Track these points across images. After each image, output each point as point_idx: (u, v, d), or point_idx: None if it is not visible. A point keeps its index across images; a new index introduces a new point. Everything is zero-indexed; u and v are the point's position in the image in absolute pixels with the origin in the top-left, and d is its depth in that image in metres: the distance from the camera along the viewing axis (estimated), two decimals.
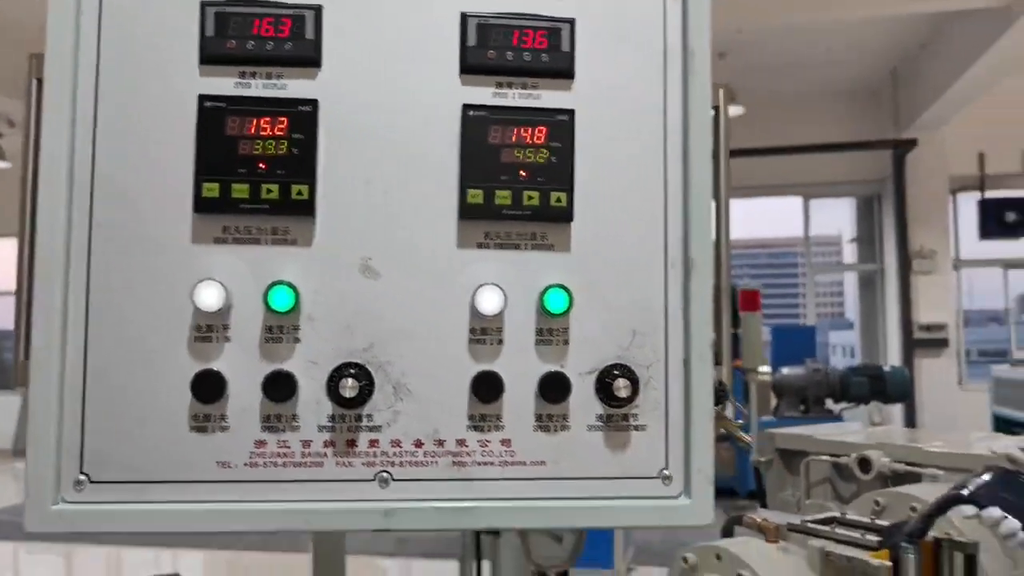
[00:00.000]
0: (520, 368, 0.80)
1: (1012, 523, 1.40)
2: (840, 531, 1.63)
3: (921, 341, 10.06)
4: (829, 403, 8.84)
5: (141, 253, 0.78)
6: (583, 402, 0.81)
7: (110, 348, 0.77)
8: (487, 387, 0.79)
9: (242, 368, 0.77)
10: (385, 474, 0.78)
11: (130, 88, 0.79)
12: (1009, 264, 11.27)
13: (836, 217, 13.05)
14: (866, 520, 1.73)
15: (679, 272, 0.82)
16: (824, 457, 2.30)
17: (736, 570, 1.53)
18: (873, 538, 1.57)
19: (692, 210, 0.82)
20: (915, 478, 2.06)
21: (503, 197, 0.80)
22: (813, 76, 9.93)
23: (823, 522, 1.72)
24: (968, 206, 10.62)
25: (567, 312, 0.80)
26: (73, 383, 0.76)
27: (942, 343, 10.03)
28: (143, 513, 0.76)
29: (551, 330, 0.81)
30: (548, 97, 0.83)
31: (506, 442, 0.80)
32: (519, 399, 0.80)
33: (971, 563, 1.64)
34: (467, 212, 0.80)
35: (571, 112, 0.82)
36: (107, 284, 0.77)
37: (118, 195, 0.78)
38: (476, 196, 0.80)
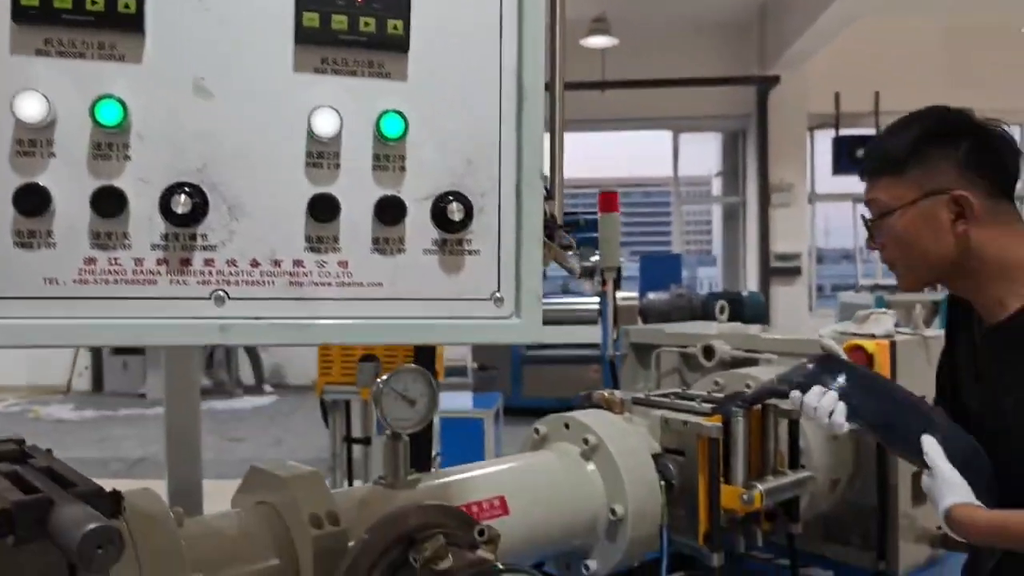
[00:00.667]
0: (357, 192, 0.82)
1: (798, 396, 1.54)
2: (679, 402, 1.76)
3: (777, 270, 10.66)
4: None
5: None
6: (419, 227, 0.84)
7: None
8: (323, 208, 0.80)
9: (68, 184, 0.76)
10: (221, 293, 0.79)
11: None
12: (858, 199, 11.99)
13: (706, 157, 13.51)
14: (703, 394, 1.87)
15: (512, 103, 0.85)
16: (673, 348, 2.45)
17: (582, 435, 1.63)
18: (707, 406, 1.70)
19: (526, 40, 0.85)
20: (754, 364, 2.23)
21: (339, 21, 0.81)
22: (685, 8, 10.13)
23: (664, 396, 1.85)
24: (824, 143, 11.20)
25: (403, 138, 0.82)
26: None
27: (795, 271, 10.65)
28: None
29: (388, 156, 0.83)
30: None
31: (343, 264, 0.82)
32: (356, 222, 0.82)
33: (794, 428, 1.80)
34: (303, 35, 0.80)
35: None
36: None
37: None
38: (312, 19, 0.80)
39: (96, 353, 12.10)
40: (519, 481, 1.54)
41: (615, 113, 11.27)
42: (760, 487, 1.60)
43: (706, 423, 1.61)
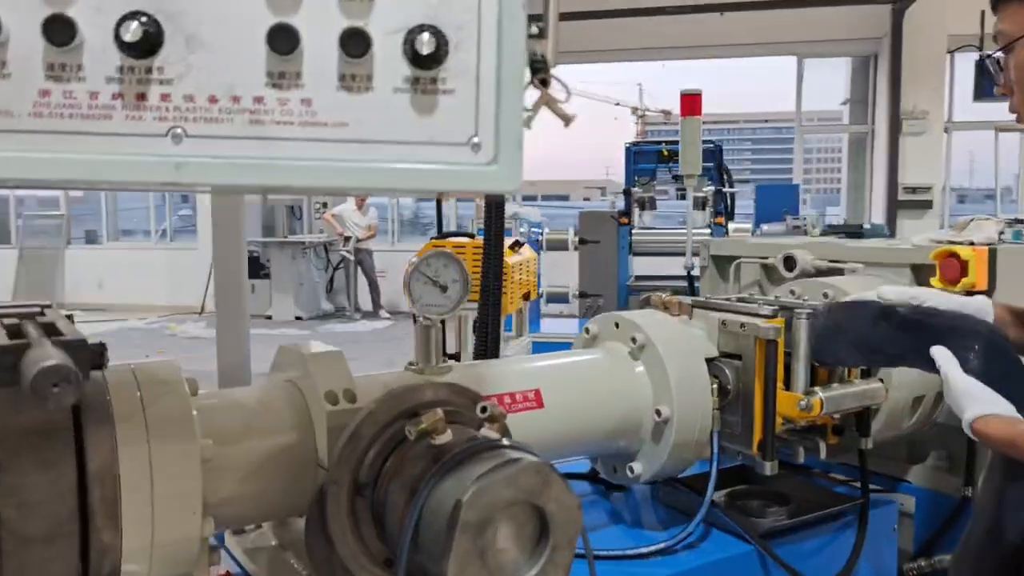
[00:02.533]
0: (321, 22, 0.76)
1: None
2: (740, 304, 1.65)
3: (905, 203, 10.02)
4: None
5: None
6: (388, 62, 0.77)
7: None
8: (283, 40, 0.75)
9: (19, 11, 0.73)
10: (178, 129, 0.76)
11: None
12: (1001, 127, 11.06)
13: (834, 87, 12.69)
14: (769, 299, 1.74)
15: None
16: (754, 259, 2.31)
17: (631, 333, 1.55)
18: (769, 308, 1.58)
19: None
20: (839, 274, 2.07)
21: None
22: None
23: (727, 299, 1.74)
24: (964, 68, 10.34)
25: None
26: None
27: (926, 205, 9.99)
28: None
29: None
30: None
31: (307, 101, 0.77)
32: (321, 56, 0.77)
33: None
34: None
35: None
36: None
37: None
38: None
39: None
40: (558, 376, 1.48)
41: (735, 38, 10.75)
42: (821, 394, 1.48)
43: (764, 324, 1.50)
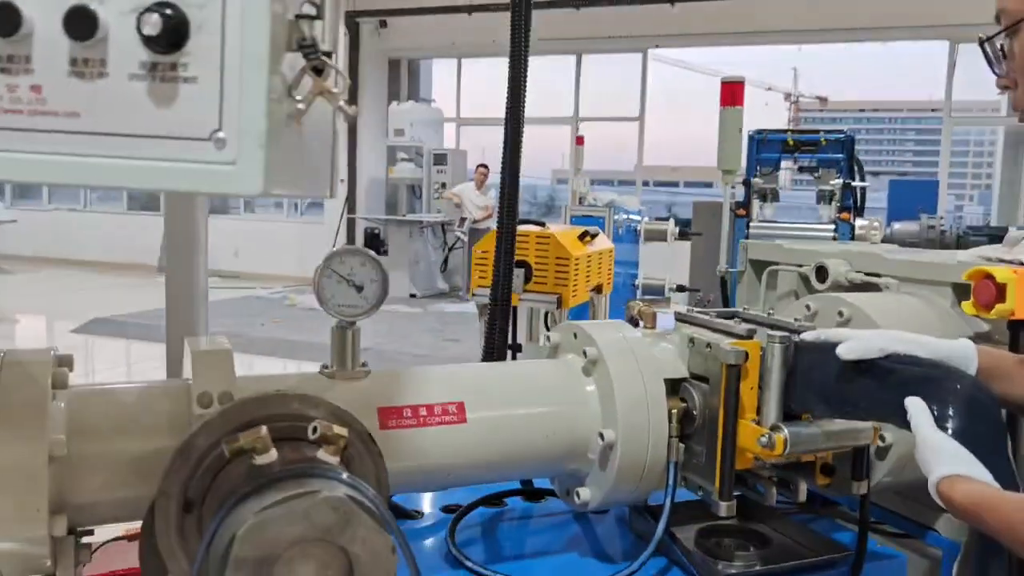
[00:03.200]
0: (46, 1, 0.68)
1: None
2: (719, 321, 1.48)
3: None
4: None
5: None
6: (124, 46, 0.69)
7: None
8: (5, 17, 0.68)
9: None
10: None
11: None
12: None
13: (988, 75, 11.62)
14: (759, 316, 1.55)
15: None
16: (790, 267, 2.09)
17: (583, 347, 1.42)
18: (746, 327, 1.40)
19: None
20: (875, 289, 1.84)
21: None
22: None
23: (721, 314, 1.56)
24: None
25: None
26: None
27: None
28: None
29: None
30: None
31: (36, 88, 0.70)
32: (51, 39, 0.69)
33: None
34: None
35: None
36: None
37: None
38: None
39: None
40: (489, 388, 1.36)
41: (877, 20, 10.02)
42: (786, 431, 1.29)
43: (727, 346, 1.33)
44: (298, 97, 0.72)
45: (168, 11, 0.67)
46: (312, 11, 0.72)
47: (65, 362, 1.16)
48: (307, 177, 0.80)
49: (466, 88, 13.45)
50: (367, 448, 1.03)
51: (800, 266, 2.03)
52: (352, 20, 12.73)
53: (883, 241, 7.99)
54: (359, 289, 1.27)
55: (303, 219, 14.74)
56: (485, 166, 11.73)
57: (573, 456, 1.40)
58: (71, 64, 0.69)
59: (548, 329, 4.28)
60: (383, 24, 12.97)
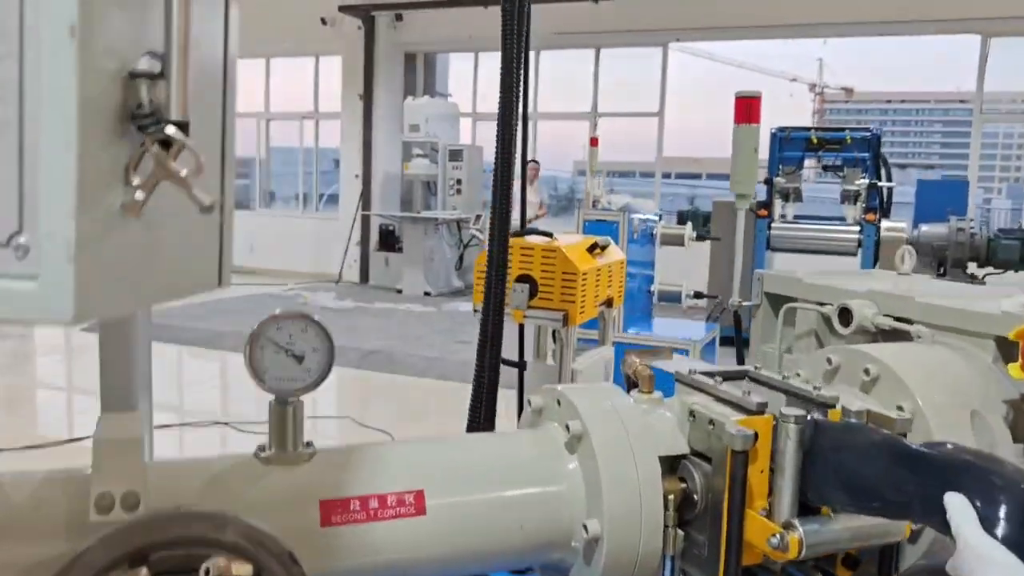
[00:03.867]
0: None
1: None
2: (724, 388, 1.28)
3: None
4: (972, 267, 7.93)
5: None
6: None
7: None
8: None
9: None
10: None
11: None
12: None
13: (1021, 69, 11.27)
14: (776, 378, 1.35)
15: None
16: (809, 305, 1.89)
17: (567, 419, 1.22)
18: (755, 400, 1.21)
19: None
20: (906, 337, 1.63)
21: None
22: None
23: (726, 374, 1.36)
24: None
25: None
26: None
27: None
28: None
29: None
30: None
31: None
32: None
33: None
34: None
35: None
36: None
37: None
38: None
39: (364, 247, 13.02)
40: (454, 471, 1.17)
41: (906, 13, 9.70)
42: (801, 530, 1.10)
43: (734, 428, 1.13)
44: (136, 182, 0.53)
45: None
46: (153, 67, 0.53)
47: None
48: (168, 277, 0.61)
49: (483, 82, 13.24)
50: (286, 572, 0.85)
51: (821, 304, 1.83)
52: (368, 14, 12.55)
53: (909, 242, 7.74)
54: (299, 360, 1.08)
55: (319, 215, 14.62)
56: (536, 161, 11.41)
57: (553, 547, 1.21)
58: None
59: (555, 342, 4.05)
60: (399, 18, 12.77)
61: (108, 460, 0.96)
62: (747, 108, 2.25)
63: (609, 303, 4.19)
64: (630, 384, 1.42)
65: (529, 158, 11.43)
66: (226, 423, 5.55)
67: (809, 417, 1.15)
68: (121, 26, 0.52)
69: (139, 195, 0.53)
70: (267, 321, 1.07)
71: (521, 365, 4.02)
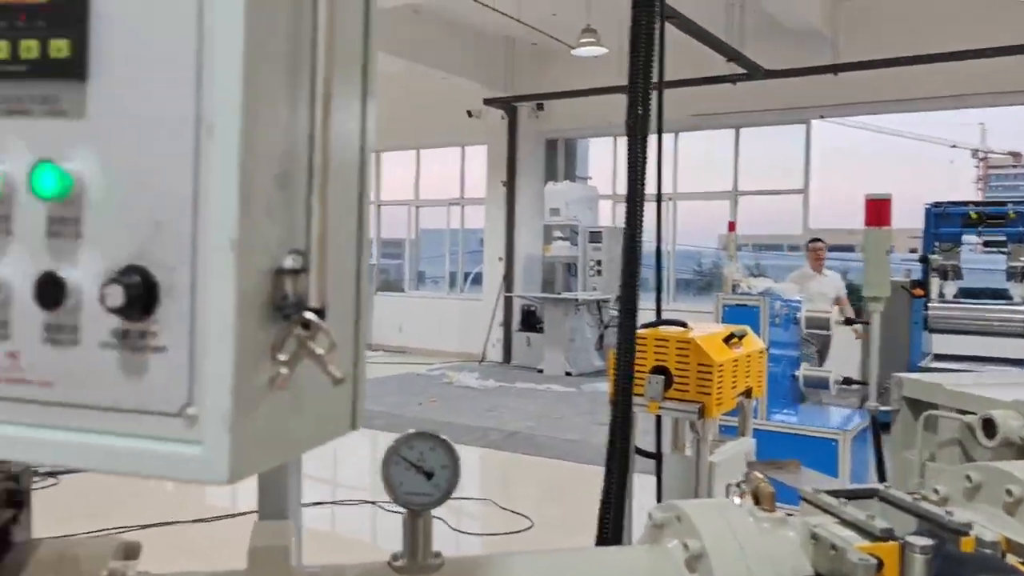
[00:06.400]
0: (24, 265, 0.64)
1: None
2: (849, 510, 1.26)
3: None
4: None
5: None
6: (95, 312, 0.63)
7: None
8: None
9: None
10: None
11: None
12: None
13: None
14: (907, 499, 1.32)
15: (211, 146, 0.60)
16: (951, 413, 1.81)
17: (684, 539, 1.24)
18: (881, 525, 1.19)
19: (218, 67, 0.59)
20: None
21: (1, 50, 0.63)
22: None
23: (846, 500, 1.34)
24: None
25: (67, 196, 0.62)
26: None
27: None
28: None
29: (63, 219, 0.64)
30: None
31: (14, 355, 0.65)
32: (26, 303, 0.64)
33: None
34: None
35: None
36: None
37: None
38: None
39: (506, 328, 13.30)
40: None
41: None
42: None
43: (855, 555, 1.11)
44: (282, 358, 0.64)
45: (135, 277, 0.61)
46: (296, 263, 0.63)
47: (131, 552, 1.13)
48: (309, 431, 0.71)
49: (621, 165, 13.43)
50: None
51: (964, 413, 1.75)
52: (510, 105, 13.10)
53: None
54: (429, 476, 1.17)
55: (464, 296, 15.08)
56: (820, 240, 9.06)
57: None
58: (45, 330, 0.64)
59: (693, 432, 3.99)
60: (540, 107, 13.26)
61: (260, 566, 1.07)
62: (877, 210, 2.21)
63: (748, 393, 4.10)
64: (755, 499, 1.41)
65: (811, 237, 9.52)
66: (374, 503, 5.74)
67: (938, 546, 1.11)
68: (271, 232, 0.63)
69: (284, 371, 0.64)
70: (400, 441, 1.17)
71: (658, 457, 3.98)
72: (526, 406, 9.86)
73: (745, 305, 5.54)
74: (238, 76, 0.59)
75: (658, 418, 4.15)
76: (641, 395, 3.81)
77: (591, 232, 12.02)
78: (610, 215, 13.32)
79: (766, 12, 9.85)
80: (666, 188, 5.16)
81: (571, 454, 7.54)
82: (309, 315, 0.63)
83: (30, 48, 0.63)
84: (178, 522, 5.03)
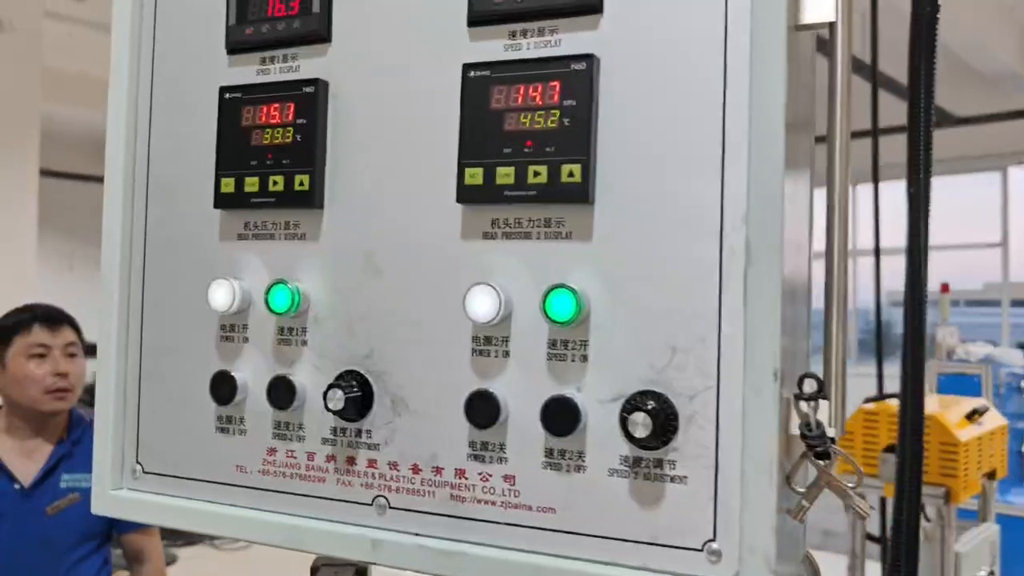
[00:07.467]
0: (526, 388, 0.64)
1: None
2: None
3: None
4: None
5: (185, 251, 0.78)
6: (604, 437, 0.62)
7: (159, 344, 0.79)
8: (480, 410, 0.64)
9: (256, 370, 0.74)
10: (383, 500, 0.69)
11: (175, 87, 0.80)
12: None
13: None
14: None
15: (739, 263, 0.58)
16: None
17: None
18: None
19: (754, 176, 0.57)
20: None
21: (505, 175, 0.64)
22: None
23: None
24: None
25: (578, 320, 0.62)
26: (132, 375, 0.80)
27: None
28: (178, 510, 0.77)
29: (565, 342, 0.63)
30: (569, 42, 0.64)
31: (510, 478, 0.65)
32: (525, 426, 0.64)
33: None
34: (465, 195, 0.66)
35: (590, 59, 0.62)
36: (158, 283, 0.79)
37: (167, 194, 0.80)
38: (475, 175, 0.65)
39: None
40: None
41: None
42: None
43: None
44: (800, 489, 0.60)
45: (652, 404, 0.59)
46: (811, 387, 0.60)
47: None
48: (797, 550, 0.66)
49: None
50: None
51: None
52: None
53: None
54: None
55: None
56: None
57: None
58: (546, 455, 0.64)
59: (930, 520, 3.70)
60: None
61: None
62: None
63: (992, 475, 3.77)
64: None
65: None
66: None
67: None
68: (790, 356, 0.60)
69: (805, 503, 0.60)
70: None
71: (884, 542, 3.70)
72: None
73: (963, 374, 5.14)
74: (778, 189, 0.57)
75: (882, 499, 3.87)
76: (876, 476, 3.58)
77: None
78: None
79: (960, 59, 9.35)
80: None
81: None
82: (832, 445, 0.59)
83: (539, 174, 0.64)
84: None
